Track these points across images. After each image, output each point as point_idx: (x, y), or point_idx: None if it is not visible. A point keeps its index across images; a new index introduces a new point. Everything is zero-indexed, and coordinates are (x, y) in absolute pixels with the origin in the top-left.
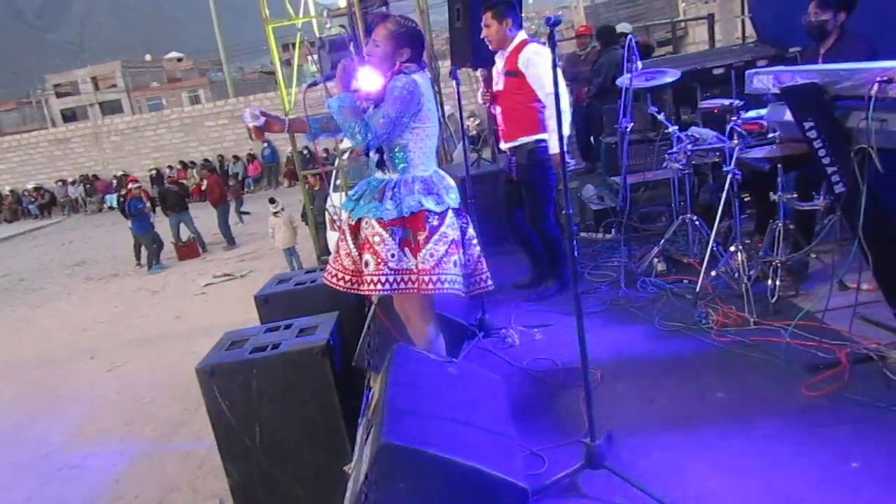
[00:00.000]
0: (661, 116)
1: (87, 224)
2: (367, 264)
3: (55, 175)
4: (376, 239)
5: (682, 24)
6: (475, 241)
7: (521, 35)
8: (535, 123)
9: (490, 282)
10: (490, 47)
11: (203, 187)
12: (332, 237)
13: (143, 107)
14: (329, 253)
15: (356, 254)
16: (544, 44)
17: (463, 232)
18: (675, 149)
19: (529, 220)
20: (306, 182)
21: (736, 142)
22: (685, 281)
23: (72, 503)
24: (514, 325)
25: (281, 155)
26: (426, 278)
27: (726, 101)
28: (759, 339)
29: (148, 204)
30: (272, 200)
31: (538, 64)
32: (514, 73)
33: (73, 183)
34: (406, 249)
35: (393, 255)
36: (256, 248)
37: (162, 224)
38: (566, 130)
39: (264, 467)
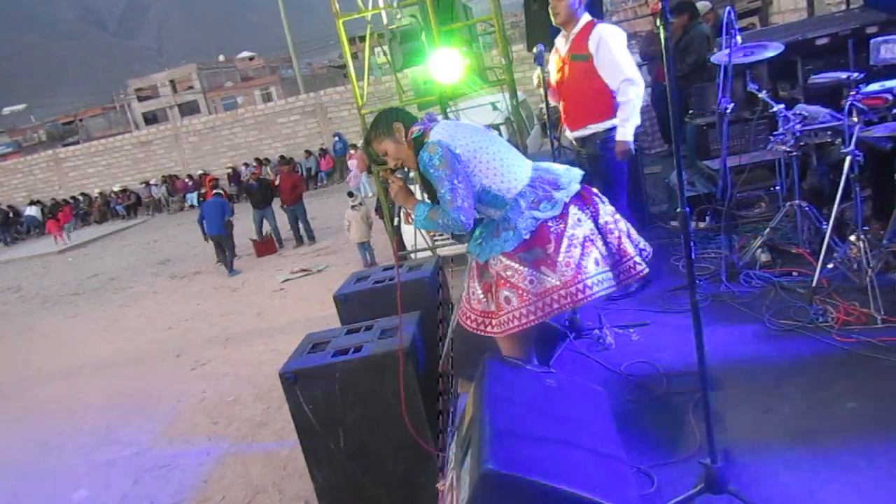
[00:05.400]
0: (762, 94)
1: (171, 223)
2: (508, 301)
3: (139, 176)
4: (509, 273)
5: None
6: (611, 225)
7: (587, 16)
8: (605, 109)
9: (641, 266)
10: (555, 21)
11: (276, 183)
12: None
13: (219, 106)
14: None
15: (480, 294)
16: (616, 24)
17: (595, 220)
18: (781, 129)
19: None
20: (380, 176)
21: (856, 119)
22: (794, 273)
23: (162, 503)
24: (607, 325)
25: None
26: (573, 290)
27: (843, 75)
28: (891, 340)
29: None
30: (350, 194)
31: (611, 46)
32: (582, 57)
33: (156, 184)
34: (542, 268)
35: (531, 281)
36: (331, 242)
37: (243, 221)
38: (637, 119)
39: (349, 472)
